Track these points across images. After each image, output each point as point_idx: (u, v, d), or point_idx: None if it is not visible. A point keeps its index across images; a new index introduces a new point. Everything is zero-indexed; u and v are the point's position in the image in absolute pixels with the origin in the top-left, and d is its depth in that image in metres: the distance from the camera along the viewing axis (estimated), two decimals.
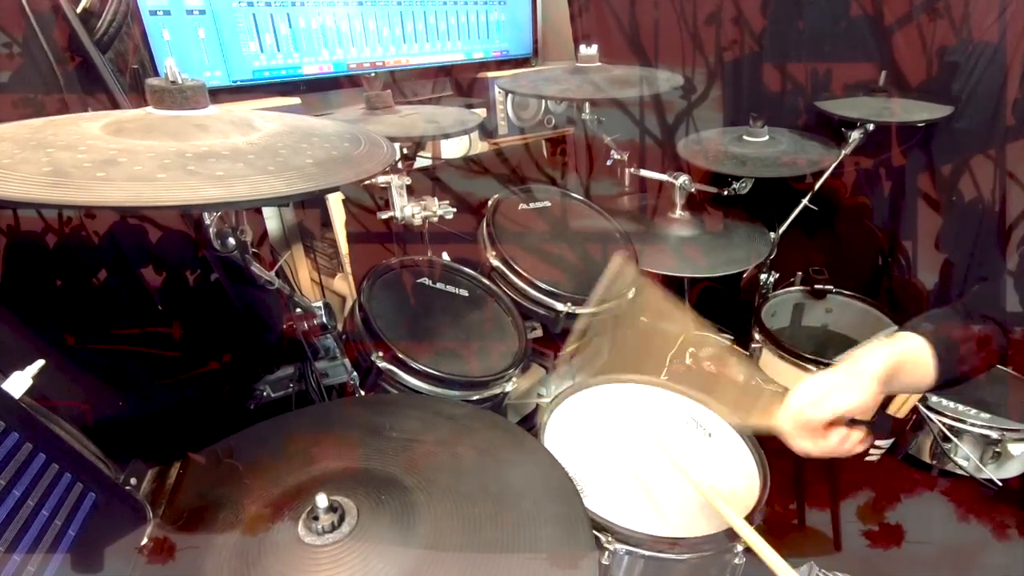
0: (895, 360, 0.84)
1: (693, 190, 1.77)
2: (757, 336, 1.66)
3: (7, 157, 0.62)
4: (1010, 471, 1.49)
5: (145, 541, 0.74)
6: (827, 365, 1.51)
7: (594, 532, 0.94)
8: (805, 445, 0.83)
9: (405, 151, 1.47)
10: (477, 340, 1.41)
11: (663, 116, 2.10)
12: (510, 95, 1.92)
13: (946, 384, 0.89)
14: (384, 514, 0.77)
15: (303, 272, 1.72)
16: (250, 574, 0.70)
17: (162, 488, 0.81)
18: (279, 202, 1.48)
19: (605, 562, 0.95)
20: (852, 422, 0.83)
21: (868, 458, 1.57)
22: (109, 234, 1.27)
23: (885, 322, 1.70)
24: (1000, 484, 1.47)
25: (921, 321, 0.91)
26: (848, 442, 0.82)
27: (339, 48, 1.65)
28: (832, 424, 0.82)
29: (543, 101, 2.00)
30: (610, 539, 0.95)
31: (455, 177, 1.92)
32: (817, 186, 1.72)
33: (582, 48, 1.64)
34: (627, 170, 1.83)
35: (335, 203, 1.57)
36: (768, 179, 1.71)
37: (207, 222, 0.91)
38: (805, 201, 1.74)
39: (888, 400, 1.38)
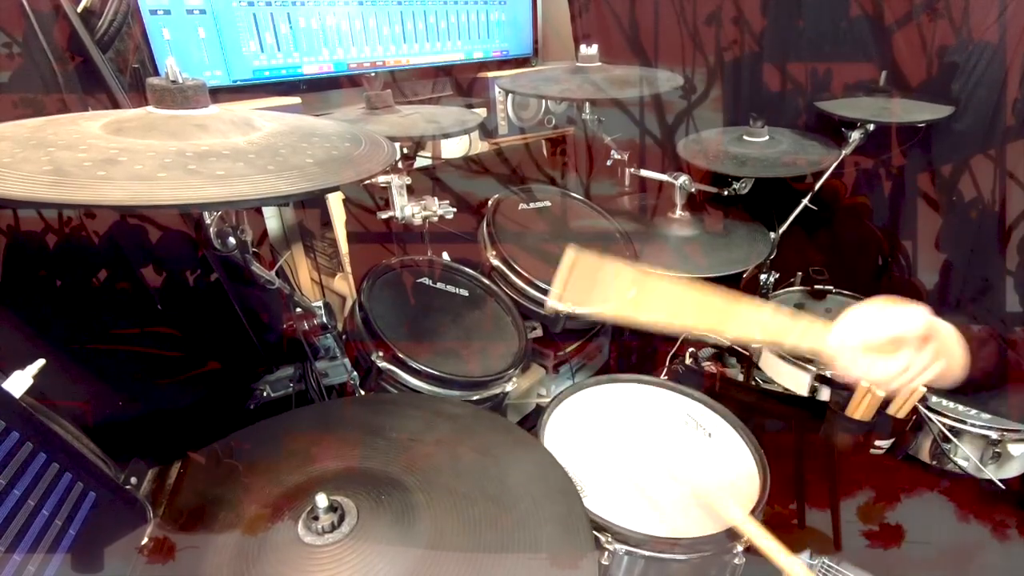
0: (935, 324, 0.80)
1: (693, 190, 1.77)
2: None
3: (7, 156, 0.62)
4: (1010, 471, 1.49)
5: (145, 541, 0.74)
6: (827, 366, 1.52)
7: (594, 532, 0.94)
8: (856, 370, 0.77)
9: (405, 151, 1.47)
10: (477, 340, 1.41)
11: (663, 116, 2.10)
12: (510, 95, 1.92)
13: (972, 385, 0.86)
14: (384, 514, 0.77)
15: (303, 272, 1.72)
16: (250, 574, 0.70)
17: (162, 488, 0.81)
18: (279, 201, 1.48)
19: (605, 562, 0.95)
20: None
21: (872, 451, 1.57)
22: (109, 234, 1.27)
23: None
24: (1000, 484, 1.47)
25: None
26: (904, 365, 0.77)
27: (339, 48, 1.65)
28: (886, 347, 0.77)
29: (543, 101, 2.00)
30: (610, 539, 0.95)
31: (455, 177, 1.92)
32: (817, 186, 1.72)
33: (582, 48, 1.65)
34: (627, 170, 1.83)
35: (335, 203, 1.57)
36: (768, 179, 1.71)
37: (207, 222, 0.91)
38: (805, 201, 1.74)
39: (888, 401, 1.38)
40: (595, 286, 0.83)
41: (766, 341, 0.96)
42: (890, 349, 0.76)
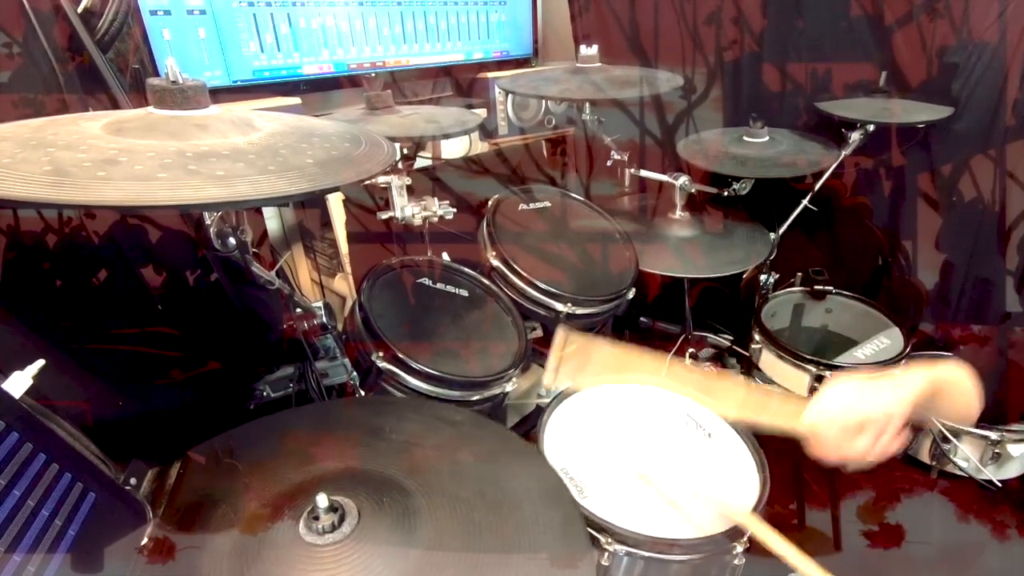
0: (936, 382, 0.80)
1: (693, 191, 1.77)
2: (757, 337, 1.66)
3: (7, 157, 0.62)
4: (1010, 472, 1.49)
5: (145, 541, 0.74)
6: (827, 366, 1.52)
7: (593, 533, 0.94)
8: (829, 451, 0.78)
9: (405, 151, 1.47)
10: (477, 340, 1.41)
11: (663, 116, 2.10)
12: (510, 95, 1.92)
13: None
14: (385, 515, 0.77)
15: (303, 272, 1.72)
16: (250, 573, 0.70)
17: (162, 488, 0.81)
18: (280, 202, 1.48)
19: (604, 563, 0.95)
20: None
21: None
22: (109, 234, 1.27)
23: (885, 322, 1.70)
24: (1000, 485, 1.47)
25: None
26: (879, 445, 0.77)
27: (339, 48, 1.65)
28: (861, 429, 0.77)
29: (543, 101, 2.00)
30: (609, 540, 0.95)
31: (455, 177, 1.92)
32: (817, 187, 1.72)
33: (582, 48, 1.65)
34: (627, 170, 1.83)
35: (335, 203, 1.57)
36: (768, 180, 1.72)
37: (207, 222, 0.91)
38: (805, 202, 1.74)
39: None
40: (585, 364, 0.88)
41: (741, 420, 1.00)
42: (861, 429, 0.77)
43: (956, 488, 1.51)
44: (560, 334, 0.86)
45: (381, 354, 1.21)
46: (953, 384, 0.82)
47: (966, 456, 1.48)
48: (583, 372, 0.88)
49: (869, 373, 0.81)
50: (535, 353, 1.60)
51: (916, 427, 1.54)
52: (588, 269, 1.61)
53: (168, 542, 0.74)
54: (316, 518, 0.72)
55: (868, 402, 0.77)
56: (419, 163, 1.63)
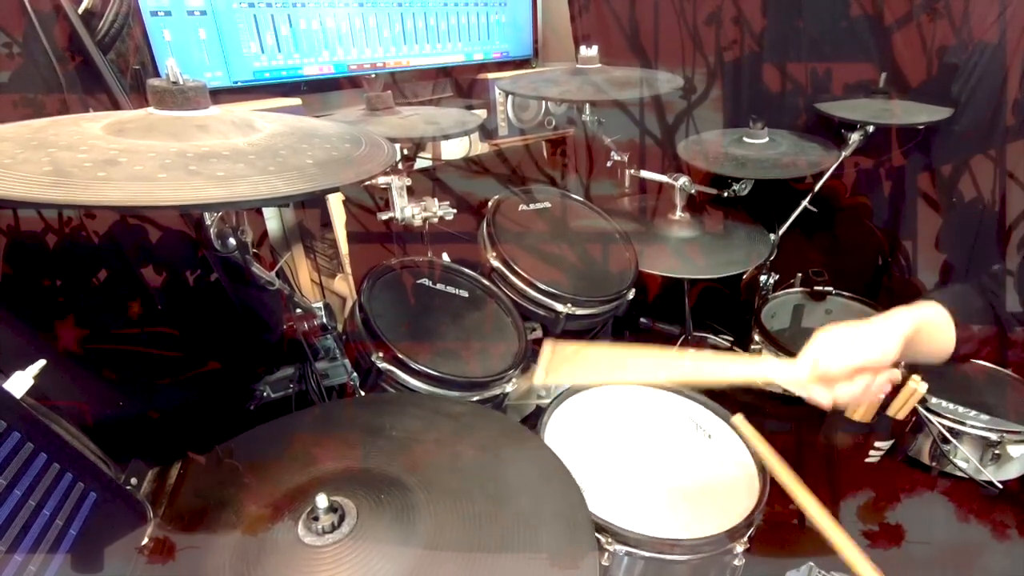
0: (918, 323, 0.82)
1: (693, 191, 1.77)
2: (757, 337, 1.66)
3: (8, 157, 0.62)
4: (1010, 473, 1.49)
5: (145, 541, 0.74)
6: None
7: (594, 532, 0.94)
8: (820, 396, 0.80)
9: (405, 152, 1.47)
10: (477, 341, 1.41)
11: (663, 117, 2.10)
12: (510, 96, 1.92)
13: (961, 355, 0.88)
14: (384, 514, 0.77)
15: (303, 272, 1.72)
16: (250, 574, 0.70)
17: (162, 488, 0.81)
18: (280, 202, 1.48)
19: (605, 563, 0.95)
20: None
21: (868, 459, 1.57)
22: (109, 234, 1.27)
23: None
24: (1000, 486, 1.47)
25: (940, 293, 0.90)
26: (872, 388, 0.79)
27: (339, 49, 1.65)
28: (857, 373, 0.79)
29: (543, 102, 2.00)
30: (610, 540, 0.95)
31: (455, 178, 1.92)
32: (817, 187, 1.72)
33: (582, 49, 1.65)
34: (627, 171, 1.83)
35: (335, 203, 1.57)
36: (768, 180, 1.71)
37: (207, 222, 0.92)
38: (805, 202, 1.74)
39: (888, 401, 1.38)
40: (574, 367, 0.90)
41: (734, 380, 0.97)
42: (857, 373, 0.79)
43: (956, 488, 1.51)
44: (547, 344, 0.88)
45: (381, 355, 1.22)
46: (933, 323, 0.85)
47: (966, 457, 1.48)
48: (574, 371, 0.89)
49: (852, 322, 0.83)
50: (535, 353, 1.60)
51: (915, 428, 1.54)
52: (588, 270, 1.61)
53: (168, 542, 0.74)
54: (316, 519, 0.72)
55: (863, 346, 0.79)
56: (419, 164, 1.63)
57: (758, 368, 0.85)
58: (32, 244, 1.19)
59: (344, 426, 0.98)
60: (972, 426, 1.46)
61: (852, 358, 0.78)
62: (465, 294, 1.48)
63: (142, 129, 0.73)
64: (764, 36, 1.85)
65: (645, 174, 1.81)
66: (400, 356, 1.21)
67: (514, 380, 1.35)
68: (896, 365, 0.81)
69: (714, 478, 1.11)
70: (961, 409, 1.50)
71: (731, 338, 2.05)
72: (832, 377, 0.78)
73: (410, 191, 1.40)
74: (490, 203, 1.58)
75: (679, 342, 1.91)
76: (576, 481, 0.87)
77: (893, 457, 1.58)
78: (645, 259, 1.65)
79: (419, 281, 1.45)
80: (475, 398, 1.29)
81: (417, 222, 1.40)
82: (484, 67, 2.01)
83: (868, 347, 0.78)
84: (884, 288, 1.93)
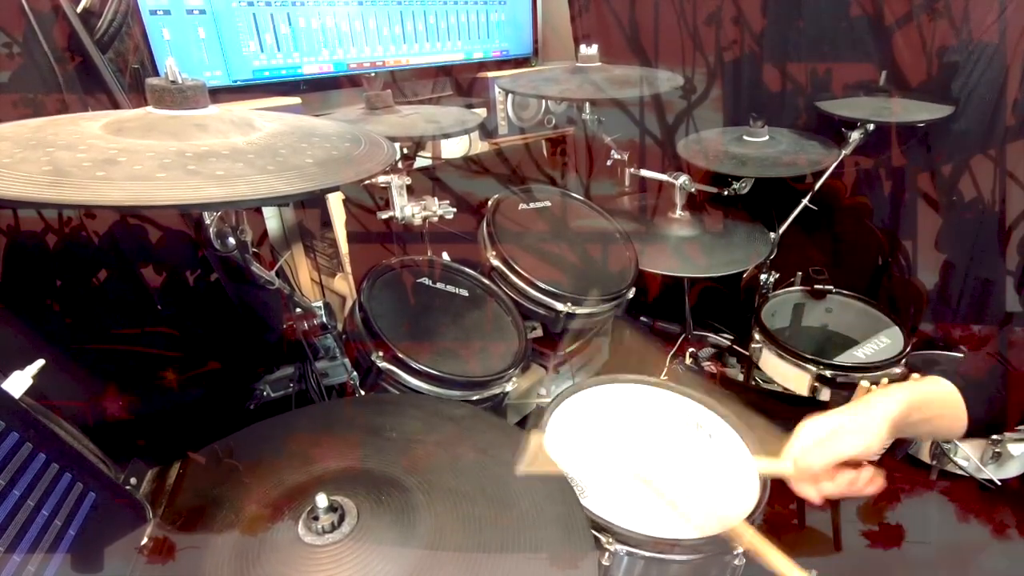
0: (912, 400, 0.78)
1: (693, 190, 1.77)
2: (757, 336, 1.66)
3: (7, 157, 0.62)
4: (1010, 471, 1.49)
5: (145, 541, 0.74)
6: (827, 366, 1.51)
7: (594, 533, 0.94)
8: (808, 492, 0.78)
9: (405, 151, 1.47)
10: (477, 340, 1.41)
11: (663, 116, 2.10)
12: (510, 95, 1.92)
13: (983, 428, 0.83)
14: (384, 514, 0.77)
15: (303, 272, 1.72)
16: (250, 574, 0.70)
17: (162, 488, 0.81)
18: (279, 202, 1.48)
19: (605, 563, 0.95)
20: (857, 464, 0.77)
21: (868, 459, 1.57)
22: (109, 234, 1.27)
23: (885, 322, 1.70)
24: (1000, 484, 1.47)
25: (937, 367, 0.85)
26: (857, 483, 0.77)
27: (339, 48, 1.65)
28: (838, 468, 0.77)
29: (543, 101, 2.00)
30: (610, 540, 0.95)
31: (455, 177, 1.92)
32: (817, 186, 1.72)
33: (582, 48, 1.64)
34: (627, 170, 1.83)
35: (335, 203, 1.57)
36: (768, 179, 1.71)
37: (207, 222, 0.91)
38: (805, 201, 1.74)
39: None
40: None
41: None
42: (840, 467, 0.77)
43: (956, 488, 1.51)
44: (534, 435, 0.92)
45: (381, 354, 1.21)
46: (934, 402, 0.81)
47: (966, 456, 1.48)
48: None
49: (843, 407, 0.80)
50: (535, 353, 1.60)
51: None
52: (588, 269, 1.61)
53: (168, 542, 0.74)
54: (316, 518, 0.72)
55: (844, 441, 0.76)
56: (419, 163, 1.63)
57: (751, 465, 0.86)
58: (32, 244, 1.19)
59: (344, 426, 0.98)
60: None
61: (830, 454, 0.75)
62: (465, 293, 1.48)
63: (141, 128, 0.73)
64: (764, 36, 1.85)
65: (645, 173, 1.81)
66: (400, 355, 1.21)
67: (514, 379, 1.35)
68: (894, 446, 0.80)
69: (714, 478, 1.11)
70: None
71: (731, 337, 2.05)
72: (814, 474, 0.77)
73: (410, 190, 1.40)
74: (490, 202, 1.58)
75: (679, 341, 1.91)
76: (574, 482, 0.87)
77: (893, 456, 1.58)
78: (645, 258, 1.65)
79: (419, 280, 1.45)
80: (475, 397, 1.29)
81: (417, 221, 1.40)
82: (484, 66, 2.01)
83: (847, 441, 0.75)
84: (884, 288, 1.93)
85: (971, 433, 0.83)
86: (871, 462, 0.78)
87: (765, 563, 0.83)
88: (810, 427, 0.79)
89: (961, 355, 0.84)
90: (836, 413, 0.79)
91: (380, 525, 0.75)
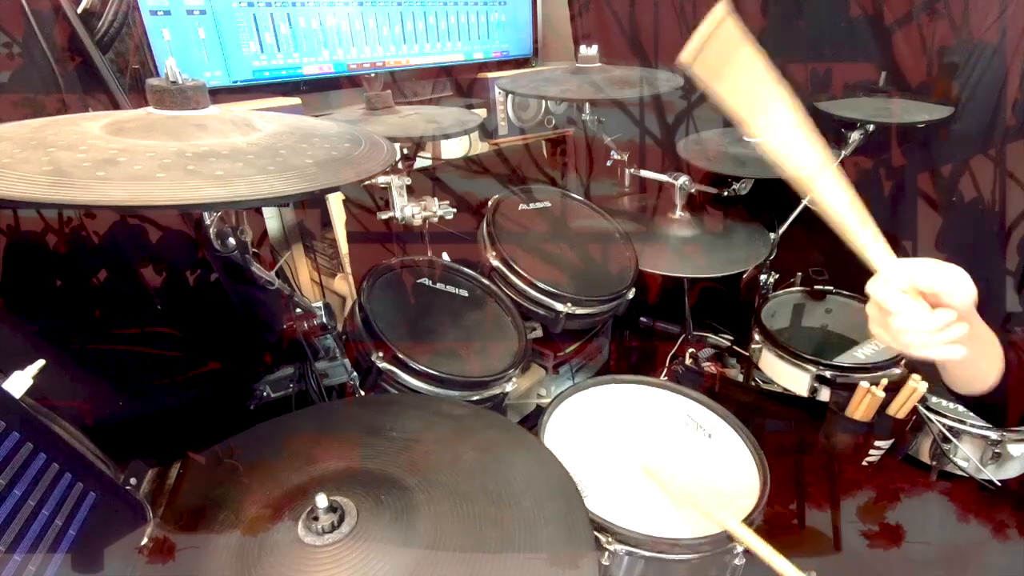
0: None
1: (693, 190, 1.77)
2: (757, 336, 1.66)
3: (7, 157, 0.62)
4: (1010, 472, 1.49)
5: (145, 541, 0.74)
6: (827, 366, 1.51)
7: (594, 532, 0.94)
8: (874, 316, 0.71)
9: (405, 151, 1.47)
10: (477, 340, 1.41)
11: (663, 116, 2.10)
12: (510, 95, 1.92)
13: (997, 398, 0.78)
14: (384, 514, 0.77)
15: (303, 272, 1.72)
16: (250, 574, 0.70)
17: (162, 488, 0.81)
18: (279, 202, 1.48)
19: (605, 562, 0.95)
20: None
21: (868, 459, 1.57)
22: (109, 234, 1.27)
23: None
24: (1000, 485, 1.47)
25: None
26: (954, 329, 0.67)
27: (339, 48, 1.65)
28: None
29: (543, 101, 2.00)
30: (610, 539, 0.95)
31: (455, 177, 1.92)
32: None
33: (582, 48, 1.64)
34: (627, 170, 1.83)
35: (335, 203, 1.57)
36: (768, 180, 1.71)
37: (207, 222, 0.91)
38: (805, 202, 1.74)
39: (888, 401, 1.38)
40: (730, 60, 0.74)
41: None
42: (933, 301, 0.68)
43: (956, 488, 1.51)
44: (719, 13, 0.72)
45: (381, 354, 1.21)
46: (990, 338, 0.76)
47: (966, 456, 1.48)
48: (724, 68, 0.73)
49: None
50: (535, 353, 1.60)
51: (915, 428, 1.54)
52: (588, 269, 1.61)
53: (168, 542, 0.74)
54: (315, 519, 0.72)
55: (951, 277, 0.67)
56: (419, 163, 1.63)
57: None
58: (32, 244, 1.19)
59: (344, 426, 0.98)
60: (972, 425, 1.46)
61: (944, 278, 0.66)
62: (465, 294, 1.48)
63: (141, 129, 0.73)
64: (764, 36, 1.84)
65: (645, 173, 1.81)
66: (400, 356, 1.21)
67: (514, 380, 1.35)
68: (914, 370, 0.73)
69: (714, 478, 1.11)
70: (961, 408, 1.50)
71: (731, 337, 2.05)
72: (917, 288, 0.68)
73: (410, 190, 1.40)
74: (490, 202, 1.58)
75: (679, 341, 1.91)
76: (576, 482, 0.87)
77: (893, 456, 1.58)
78: (645, 258, 1.65)
79: (419, 281, 1.45)
80: (475, 397, 1.29)
81: (417, 222, 1.40)
82: (484, 66, 2.01)
83: (963, 279, 0.67)
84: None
85: (984, 399, 0.78)
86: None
87: (765, 562, 0.83)
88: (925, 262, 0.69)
89: None
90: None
91: (380, 525, 0.75)
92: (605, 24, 2.07)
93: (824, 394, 1.53)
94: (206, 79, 1.23)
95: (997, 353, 0.77)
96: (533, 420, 1.57)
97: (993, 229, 1.68)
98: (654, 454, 1.15)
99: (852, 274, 1.93)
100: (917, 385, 1.35)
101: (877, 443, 1.54)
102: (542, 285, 1.44)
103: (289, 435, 0.94)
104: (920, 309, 0.68)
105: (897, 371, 1.50)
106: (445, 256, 1.52)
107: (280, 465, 0.86)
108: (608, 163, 1.83)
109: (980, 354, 0.76)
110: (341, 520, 0.73)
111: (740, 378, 1.91)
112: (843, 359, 1.60)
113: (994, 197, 1.66)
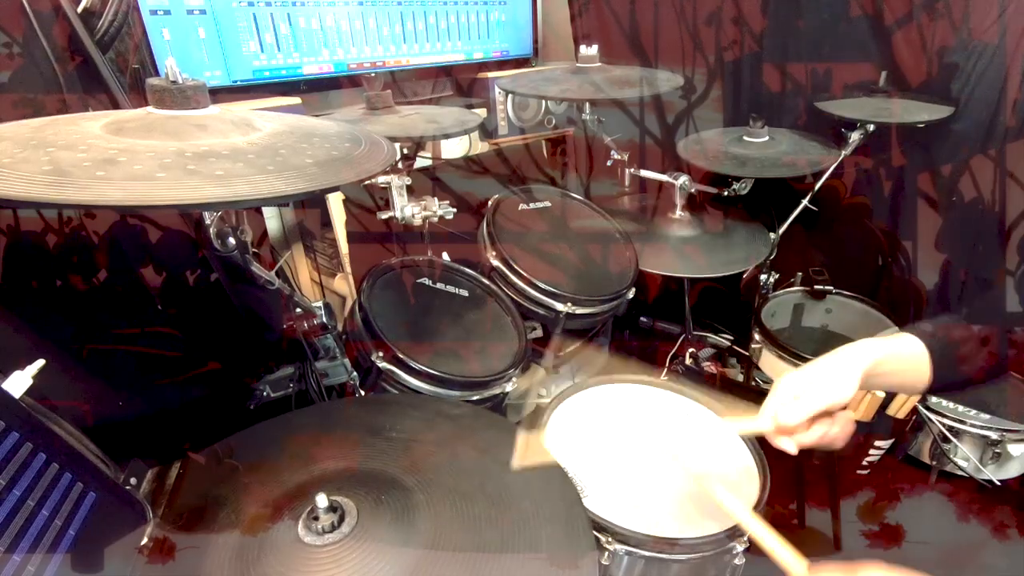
0: (882, 355, 0.82)
1: (693, 190, 1.77)
2: (757, 336, 1.66)
3: (7, 157, 0.62)
4: (1010, 472, 1.49)
5: (145, 541, 0.74)
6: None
7: (594, 532, 0.94)
8: (786, 445, 0.81)
9: (405, 151, 1.47)
10: (477, 340, 1.41)
11: (663, 116, 2.10)
12: (510, 95, 1.92)
13: (947, 387, 0.87)
14: (384, 514, 0.77)
15: (303, 272, 1.72)
16: (250, 574, 0.70)
17: (162, 488, 0.81)
18: (279, 202, 1.48)
19: (605, 562, 0.95)
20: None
21: (868, 459, 1.57)
22: (109, 234, 1.27)
23: (885, 322, 1.70)
24: (999, 484, 1.47)
25: (921, 323, 0.89)
26: (830, 433, 0.80)
27: (339, 48, 1.65)
28: (813, 420, 0.79)
29: (543, 101, 2.00)
30: (610, 539, 0.95)
31: (455, 177, 1.92)
32: (817, 186, 1.72)
33: (582, 48, 1.65)
34: (627, 170, 1.83)
35: (335, 203, 1.57)
36: (768, 179, 1.71)
37: (207, 222, 0.91)
38: (805, 202, 1.74)
39: (888, 401, 1.38)
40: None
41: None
42: (816, 419, 0.79)
43: (956, 488, 1.51)
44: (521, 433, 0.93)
45: (381, 354, 1.21)
46: (900, 356, 0.84)
47: (966, 456, 1.48)
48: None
49: (815, 361, 0.83)
50: (535, 353, 1.60)
51: (915, 427, 1.54)
52: (588, 269, 1.61)
53: (168, 542, 0.74)
54: (315, 518, 0.72)
55: (819, 393, 0.78)
56: (419, 163, 1.63)
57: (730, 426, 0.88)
58: (32, 244, 1.19)
59: (344, 426, 0.98)
60: (972, 425, 1.46)
61: (808, 407, 0.78)
62: (465, 293, 1.48)
63: (141, 128, 0.73)
64: (764, 36, 1.85)
65: (645, 173, 1.81)
66: (400, 355, 1.21)
67: (514, 380, 1.35)
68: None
69: (714, 477, 1.10)
70: (961, 408, 1.50)
71: (731, 337, 2.05)
72: (791, 428, 0.79)
73: (410, 190, 1.40)
74: (490, 202, 1.58)
75: (679, 341, 1.91)
76: (575, 482, 0.87)
77: (893, 456, 1.58)
78: (645, 258, 1.65)
79: (419, 280, 1.45)
80: (475, 397, 1.29)
81: (417, 221, 1.40)
82: (484, 66, 2.01)
83: (823, 393, 0.78)
84: (884, 288, 1.93)
85: (933, 391, 0.88)
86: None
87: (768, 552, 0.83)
88: (786, 383, 0.81)
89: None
90: (809, 367, 0.82)
91: (380, 525, 0.75)
92: (605, 24, 2.07)
93: None
94: (206, 79, 1.23)
95: (918, 365, 0.85)
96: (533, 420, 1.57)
97: (993, 229, 1.68)
98: (654, 454, 1.15)
99: (852, 274, 1.93)
100: None
101: (877, 443, 1.54)
102: (542, 285, 1.43)
103: (289, 435, 0.94)
104: (810, 440, 0.80)
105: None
106: (445, 256, 1.52)
107: (280, 465, 0.86)
108: (608, 163, 1.83)
109: (900, 381, 0.88)
110: (341, 520, 0.73)
111: (740, 378, 1.91)
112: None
113: (994, 197, 1.66)
